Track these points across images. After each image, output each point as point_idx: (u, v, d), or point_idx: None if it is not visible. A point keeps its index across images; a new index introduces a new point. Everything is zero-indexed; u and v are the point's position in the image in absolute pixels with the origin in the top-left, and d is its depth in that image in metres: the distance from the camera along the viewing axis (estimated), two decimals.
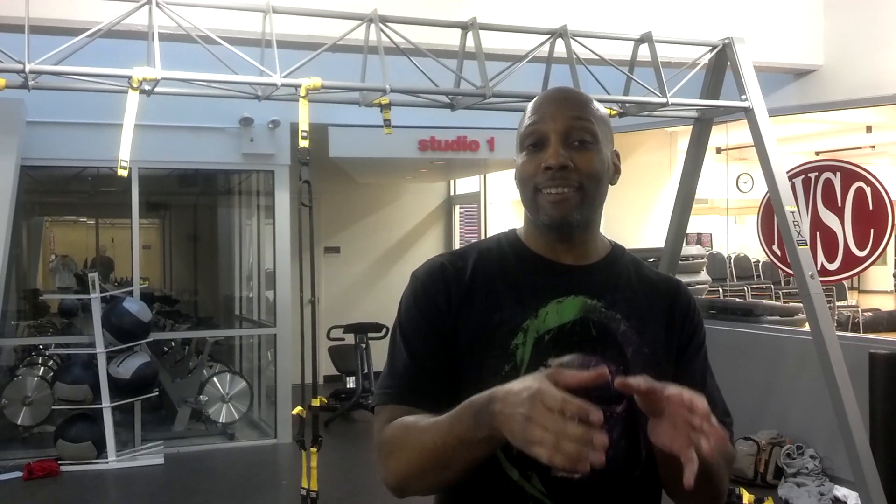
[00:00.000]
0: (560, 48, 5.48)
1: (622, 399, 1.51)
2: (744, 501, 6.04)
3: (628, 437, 1.53)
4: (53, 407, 7.60)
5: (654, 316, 1.62)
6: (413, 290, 1.61)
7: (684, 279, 8.40)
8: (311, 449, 4.94)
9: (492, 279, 1.59)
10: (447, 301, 1.56)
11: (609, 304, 1.58)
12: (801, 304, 6.38)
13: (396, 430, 1.49)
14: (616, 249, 1.69)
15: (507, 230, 1.70)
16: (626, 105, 5.92)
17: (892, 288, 13.53)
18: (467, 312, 1.55)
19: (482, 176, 12.77)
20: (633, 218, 9.33)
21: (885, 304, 12.13)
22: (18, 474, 7.03)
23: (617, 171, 1.64)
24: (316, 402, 4.96)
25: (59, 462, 7.21)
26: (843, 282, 9.17)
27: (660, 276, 1.71)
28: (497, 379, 1.47)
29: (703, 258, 9.36)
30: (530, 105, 1.62)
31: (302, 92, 4.94)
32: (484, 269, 1.60)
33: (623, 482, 1.54)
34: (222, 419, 8.31)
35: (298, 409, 5.11)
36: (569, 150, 1.54)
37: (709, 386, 1.65)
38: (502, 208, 13.69)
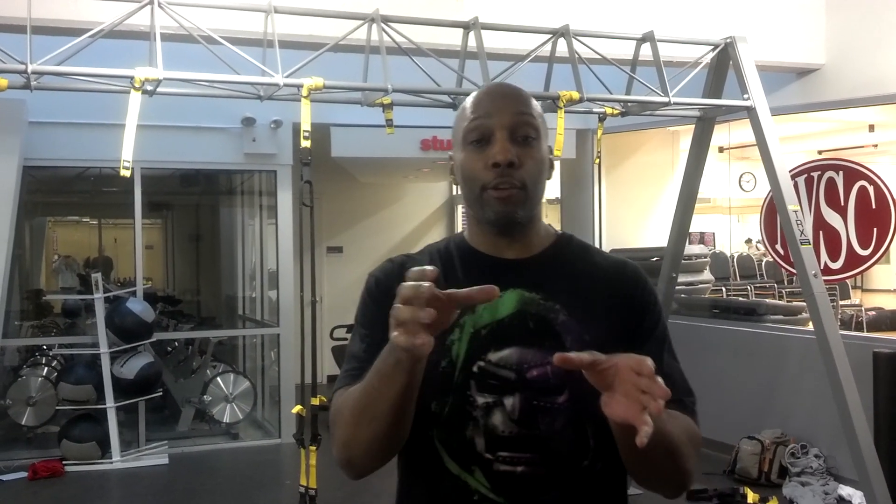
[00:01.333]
0: (562, 47, 5.48)
1: (563, 389, 1.51)
2: (748, 501, 6.03)
3: (574, 426, 1.52)
4: (57, 407, 7.60)
5: (599, 302, 1.60)
6: (368, 287, 1.65)
7: (687, 278, 8.46)
8: (311, 447, 4.95)
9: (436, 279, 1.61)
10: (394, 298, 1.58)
11: (547, 295, 1.57)
12: (804, 303, 6.37)
13: (339, 401, 1.52)
14: (562, 239, 1.69)
15: (458, 232, 1.72)
16: (629, 104, 5.92)
17: None
18: None
19: None
20: (635, 217, 9.33)
21: (889, 302, 12.09)
22: (23, 474, 7.04)
23: (551, 165, 1.65)
24: (315, 401, 4.97)
25: (64, 462, 7.22)
26: (847, 281, 9.15)
27: (609, 261, 1.70)
28: (435, 375, 1.50)
29: (705, 257, 9.36)
30: (469, 101, 1.62)
31: (304, 92, 4.94)
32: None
33: (571, 473, 1.53)
34: (226, 419, 8.32)
35: (298, 407, 5.13)
36: (515, 146, 1.55)
37: (666, 365, 1.62)
38: None
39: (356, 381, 1.52)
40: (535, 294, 1.57)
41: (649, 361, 1.28)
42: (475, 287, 1.29)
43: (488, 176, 1.54)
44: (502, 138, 1.54)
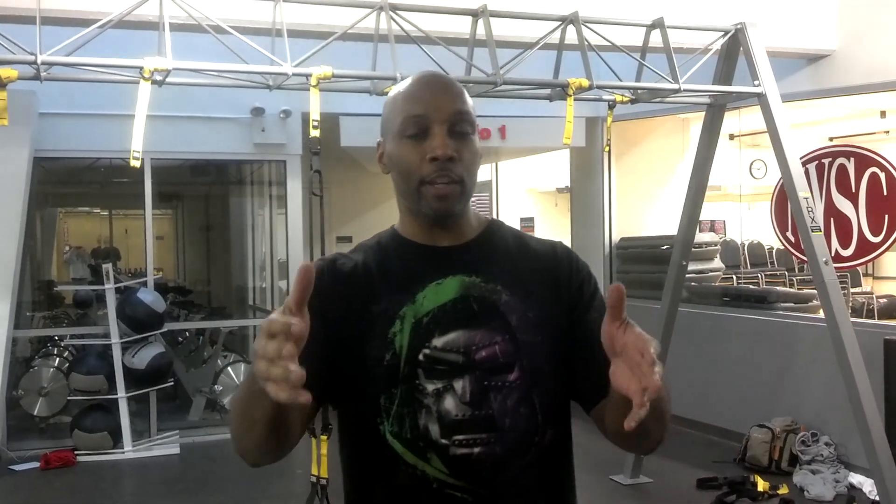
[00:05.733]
0: (571, 35, 5.46)
1: (514, 367, 1.54)
2: (759, 489, 6.02)
3: (525, 402, 1.54)
4: (69, 397, 7.65)
5: (537, 280, 1.62)
6: None
7: (697, 266, 8.43)
8: (322, 437, 4.96)
9: (370, 274, 1.61)
10: (327, 299, 1.55)
11: (488, 277, 1.59)
12: (815, 291, 6.35)
13: (234, 395, 1.53)
14: (493, 224, 1.71)
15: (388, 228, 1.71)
16: (639, 91, 5.90)
17: None
18: (346, 310, 1.57)
19: (493, 164, 12.76)
20: (645, 205, 9.30)
21: None
22: (35, 464, 7.09)
23: (480, 155, 1.66)
24: None
25: (76, 452, 7.26)
26: (858, 268, 9.10)
27: (539, 241, 1.72)
28: (380, 369, 1.51)
29: (716, 245, 9.34)
30: (403, 91, 1.62)
31: (313, 81, 4.93)
32: (365, 265, 1.63)
33: (525, 450, 1.55)
34: None
35: None
36: (452, 140, 1.56)
37: None
38: (513, 196, 13.66)
39: None
40: (476, 278, 1.58)
41: (653, 347, 1.26)
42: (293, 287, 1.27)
43: (426, 169, 1.55)
44: (441, 133, 1.55)
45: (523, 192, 13.74)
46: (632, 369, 1.28)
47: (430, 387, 1.52)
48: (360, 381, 1.53)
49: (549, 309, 1.59)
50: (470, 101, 1.62)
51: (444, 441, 1.51)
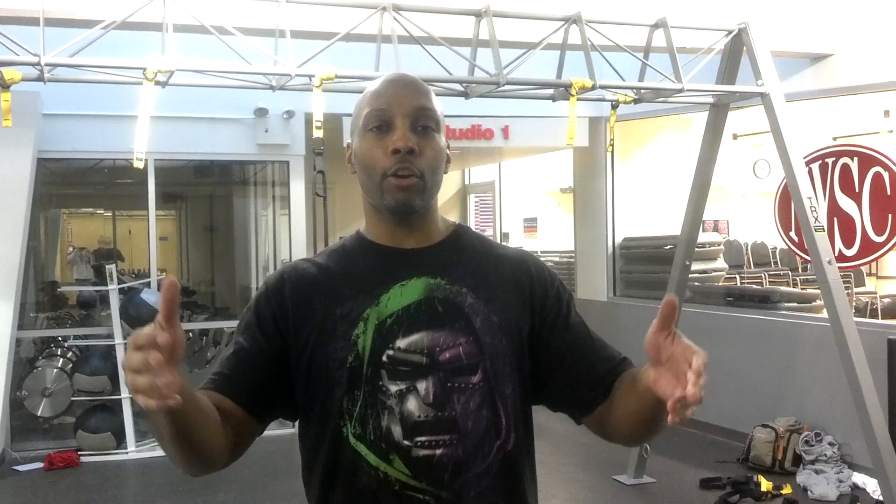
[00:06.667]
0: (574, 35, 5.46)
1: (477, 369, 1.54)
2: (762, 489, 6.02)
3: (489, 405, 1.55)
4: (73, 398, 7.66)
5: (502, 286, 1.62)
6: (258, 295, 1.65)
7: (700, 266, 8.43)
8: None
9: (334, 277, 1.61)
10: (287, 307, 1.58)
11: (453, 279, 1.59)
12: (818, 291, 6.34)
13: None
14: (459, 229, 1.71)
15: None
16: (642, 91, 5.89)
17: None
18: (309, 314, 1.57)
19: (497, 164, 12.76)
20: (649, 205, 9.30)
21: None
22: (39, 465, 7.10)
23: (449, 160, 1.67)
24: None
25: (79, 453, 7.27)
26: (861, 268, 9.09)
27: (508, 250, 1.73)
28: (343, 371, 1.51)
29: (719, 245, 9.33)
30: (370, 89, 1.64)
31: (316, 82, 4.94)
32: (328, 269, 1.63)
33: (486, 452, 1.54)
34: None
35: None
36: (414, 135, 1.56)
37: (595, 337, 1.66)
38: (517, 196, 13.66)
39: (213, 388, 1.55)
40: (441, 280, 1.58)
41: (701, 359, 1.28)
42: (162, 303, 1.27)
43: (388, 162, 1.55)
44: (403, 126, 1.56)
45: (526, 193, 13.74)
46: (677, 378, 1.30)
47: (394, 388, 1.52)
48: (323, 385, 1.53)
49: (512, 313, 1.60)
50: (436, 101, 1.63)
51: (406, 442, 1.51)
